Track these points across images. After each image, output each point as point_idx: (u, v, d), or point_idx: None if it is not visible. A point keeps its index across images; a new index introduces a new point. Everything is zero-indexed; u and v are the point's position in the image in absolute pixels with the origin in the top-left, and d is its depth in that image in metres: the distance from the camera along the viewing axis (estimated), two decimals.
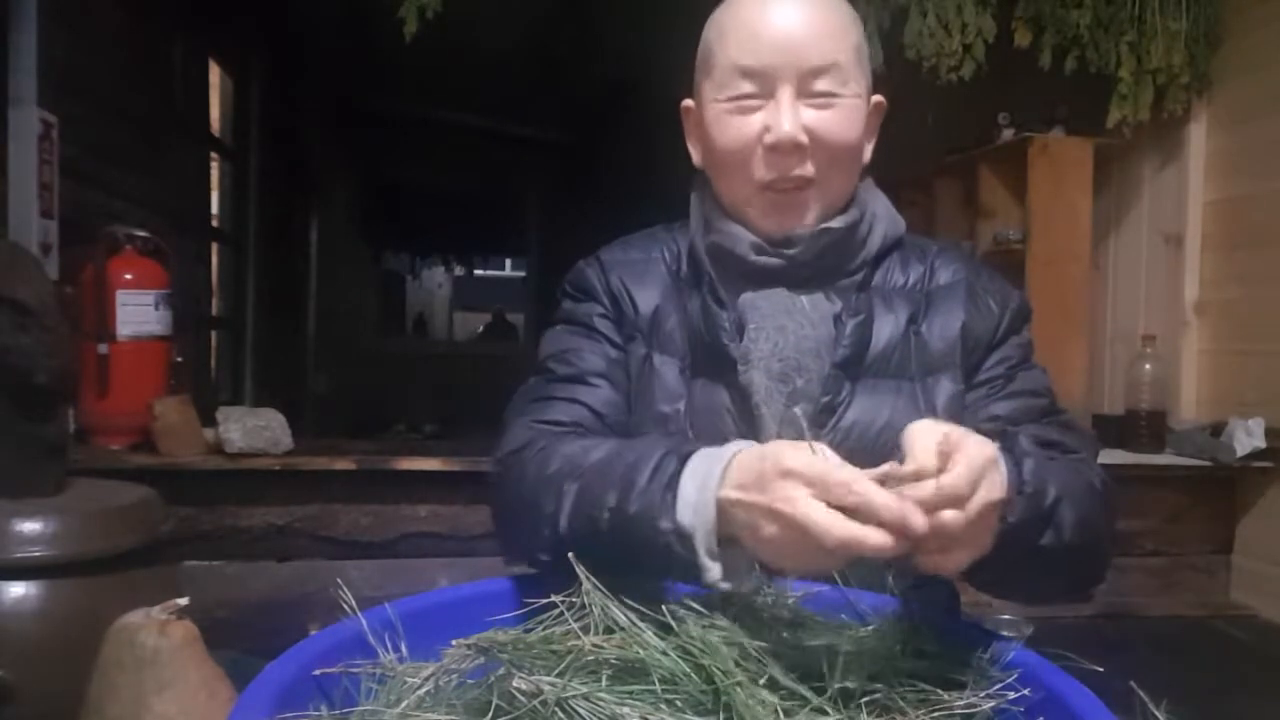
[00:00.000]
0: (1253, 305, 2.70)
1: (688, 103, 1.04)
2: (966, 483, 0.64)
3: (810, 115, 0.93)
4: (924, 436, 0.66)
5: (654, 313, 1.01)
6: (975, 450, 0.65)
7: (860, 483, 0.63)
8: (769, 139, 0.93)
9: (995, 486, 0.66)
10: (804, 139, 0.93)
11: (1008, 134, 3.18)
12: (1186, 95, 2.81)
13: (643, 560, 0.72)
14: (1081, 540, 0.79)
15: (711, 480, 0.71)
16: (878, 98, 1.02)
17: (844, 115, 0.94)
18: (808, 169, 0.94)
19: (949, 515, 0.63)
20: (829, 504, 0.63)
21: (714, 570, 0.70)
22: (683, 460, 0.74)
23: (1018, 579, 0.81)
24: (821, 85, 0.93)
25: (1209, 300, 2.87)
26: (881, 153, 1.06)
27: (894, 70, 2.66)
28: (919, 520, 0.61)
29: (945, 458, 0.64)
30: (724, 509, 0.70)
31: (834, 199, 0.98)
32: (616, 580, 0.67)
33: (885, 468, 0.66)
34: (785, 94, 0.92)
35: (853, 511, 0.62)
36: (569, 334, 1.02)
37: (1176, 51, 2.74)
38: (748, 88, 0.94)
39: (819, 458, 0.65)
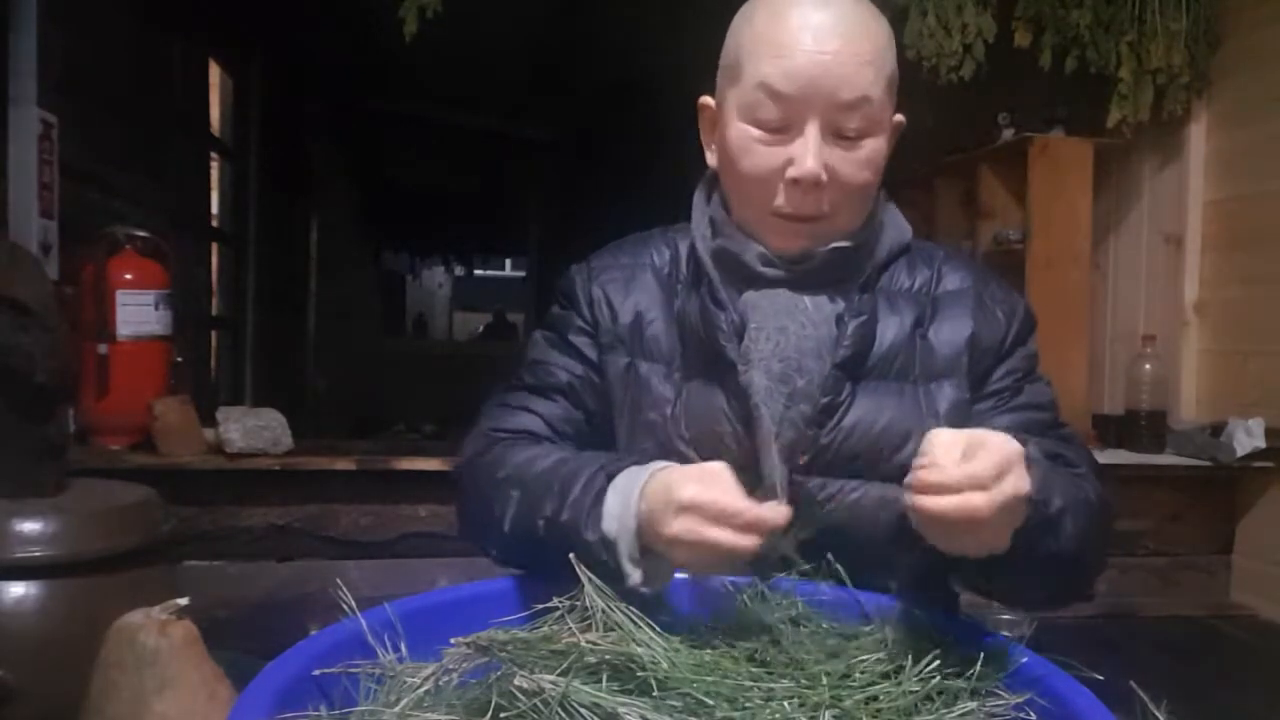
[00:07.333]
0: (1253, 305, 2.69)
1: (706, 100, 1.01)
2: (990, 469, 0.67)
3: (835, 154, 0.91)
4: (943, 436, 0.71)
5: (635, 319, 1.01)
6: (999, 444, 0.69)
7: (748, 510, 0.72)
8: (792, 172, 0.91)
9: (1021, 480, 0.69)
10: (825, 177, 0.91)
11: (1008, 134, 3.17)
12: (1186, 95, 2.80)
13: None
14: (1078, 551, 0.81)
15: (632, 496, 0.78)
16: (898, 117, 0.98)
17: (868, 156, 0.92)
18: (823, 205, 0.93)
19: (977, 499, 0.66)
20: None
21: (635, 575, 0.77)
22: (610, 477, 0.82)
23: (1012, 582, 0.82)
24: (851, 123, 0.90)
25: (1209, 300, 2.86)
26: None
27: None
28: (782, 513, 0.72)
29: (969, 456, 0.68)
30: (642, 523, 0.77)
31: (847, 227, 0.97)
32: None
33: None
34: (812, 129, 0.90)
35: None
36: (546, 342, 1.06)
37: (1176, 51, 2.73)
38: (774, 112, 0.91)
39: (707, 486, 0.73)
